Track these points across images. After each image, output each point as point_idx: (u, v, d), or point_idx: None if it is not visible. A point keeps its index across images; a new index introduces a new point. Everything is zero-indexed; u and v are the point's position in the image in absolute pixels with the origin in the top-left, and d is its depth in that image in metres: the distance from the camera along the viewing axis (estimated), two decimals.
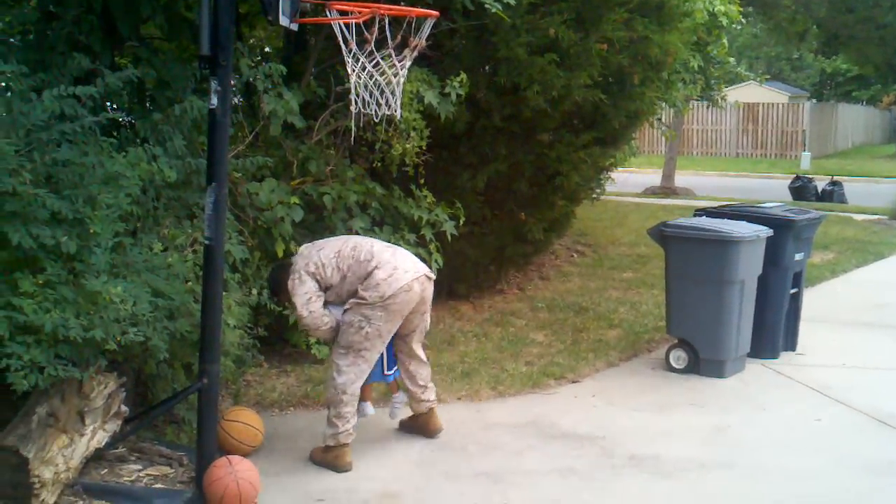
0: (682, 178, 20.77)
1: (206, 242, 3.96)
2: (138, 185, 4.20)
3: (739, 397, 5.92)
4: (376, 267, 4.56)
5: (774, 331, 6.73)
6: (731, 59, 13.66)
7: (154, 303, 4.02)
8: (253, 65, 5.84)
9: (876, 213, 15.67)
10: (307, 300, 4.56)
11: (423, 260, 6.66)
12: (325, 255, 4.63)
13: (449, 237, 6.89)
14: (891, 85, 39.77)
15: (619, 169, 10.68)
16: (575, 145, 7.63)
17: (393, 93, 4.38)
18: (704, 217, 6.79)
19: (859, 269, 10.73)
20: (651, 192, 19.65)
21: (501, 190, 7.80)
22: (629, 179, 18.27)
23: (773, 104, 34.08)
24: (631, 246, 11.59)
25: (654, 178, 20.91)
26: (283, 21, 3.87)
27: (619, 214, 14.62)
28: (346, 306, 4.59)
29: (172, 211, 4.94)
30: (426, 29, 4.36)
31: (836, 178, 20.07)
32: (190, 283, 4.50)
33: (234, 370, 5.08)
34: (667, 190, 19.67)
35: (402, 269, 4.60)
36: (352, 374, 4.58)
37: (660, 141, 27.87)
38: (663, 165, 20.56)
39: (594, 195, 9.65)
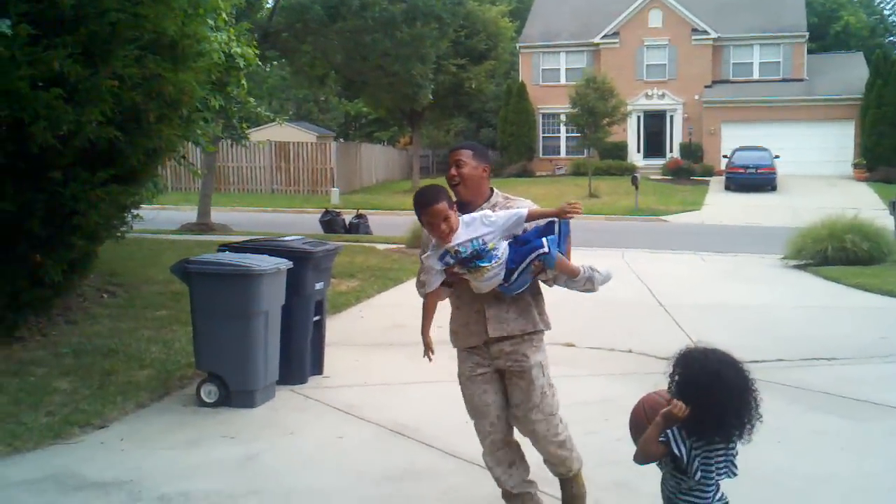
0: (219, 215, 20.94)
1: None
2: None
3: (269, 425, 6.10)
4: None
5: (301, 357, 7.04)
6: (252, 100, 14.10)
7: None
8: None
9: (396, 243, 17.13)
10: None
11: None
12: None
13: None
14: (405, 127, 44.04)
15: (148, 206, 10.43)
16: (92, 183, 7.31)
17: None
18: (228, 252, 6.91)
19: (381, 294, 11.68)
20: (188, 228, 19.56)
21: (12, 231, 7.20)
22: (159, 216, 17.98)
23: (302, 143, 35.89)
24: (165, 283, 11.33)
25: (190, 214, 20.80)
26: None
27: (153, 252, 14.27)
28: None
29: None
30: None
31: (361, 211, 21.70)
32: None
33: None
34: (203, 226, 19.69)
35: None
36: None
37: (196, 178, 27.84)
38: (199, 202, 20.54)
39: (119, 234, 9.30)
